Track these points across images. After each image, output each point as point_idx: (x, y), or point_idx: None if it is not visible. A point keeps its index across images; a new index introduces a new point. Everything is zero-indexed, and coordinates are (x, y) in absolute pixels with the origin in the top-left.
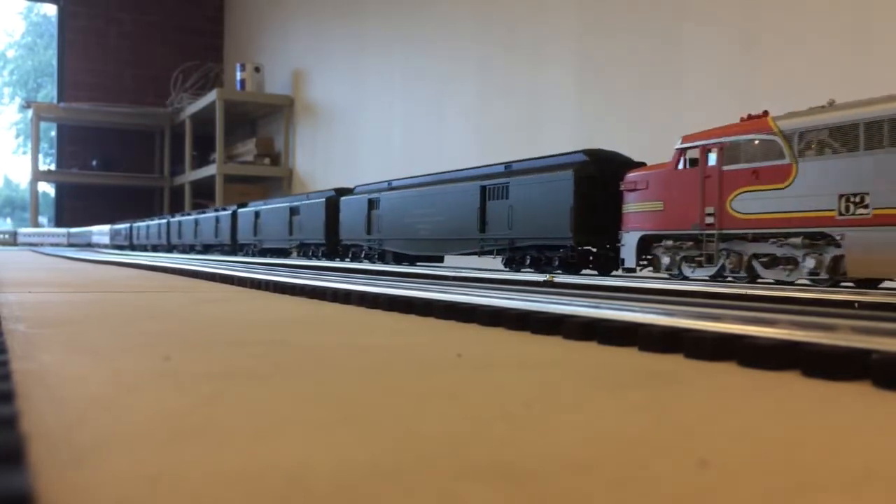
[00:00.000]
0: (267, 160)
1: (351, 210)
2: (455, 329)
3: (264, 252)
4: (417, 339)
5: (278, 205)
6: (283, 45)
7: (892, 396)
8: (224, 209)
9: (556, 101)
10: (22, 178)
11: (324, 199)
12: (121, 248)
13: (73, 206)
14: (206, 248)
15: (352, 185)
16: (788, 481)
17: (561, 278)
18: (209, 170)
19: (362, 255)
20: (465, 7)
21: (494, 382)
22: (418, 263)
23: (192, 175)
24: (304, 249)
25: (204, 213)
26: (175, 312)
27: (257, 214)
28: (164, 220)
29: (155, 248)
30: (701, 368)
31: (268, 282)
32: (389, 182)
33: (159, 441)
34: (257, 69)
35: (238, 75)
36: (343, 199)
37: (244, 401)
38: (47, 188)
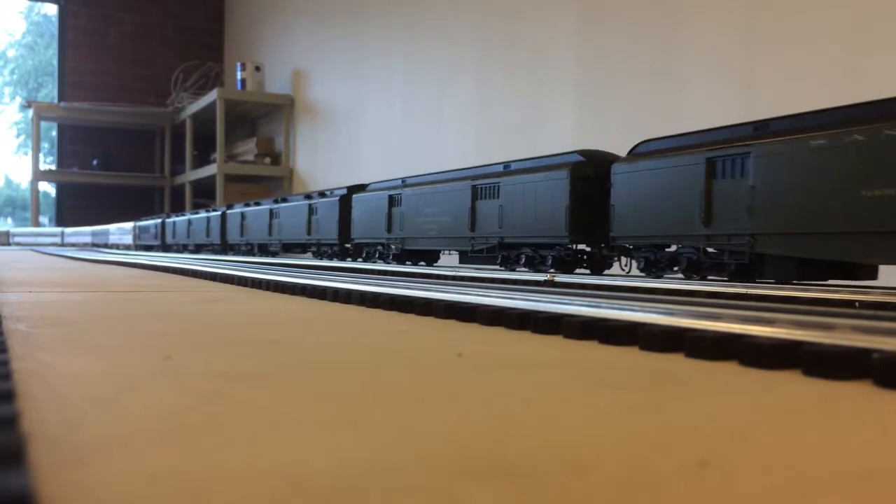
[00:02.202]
0: (267, 159)
1: (642, 186)
2: (455, 328)
3: (404, 256)
4: (418, 338)
5: (444, 182)
6: (284, 45)
7: (892, 396)
8: (324, 195)
9: (556, 101)
10: (22, 177)
11: (565, 172)
12: (148, 248)
13: (74, 206)
14: (288, 249)
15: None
16: (788, 481)
17: (561, 278)
18: (210, 169)
19: (675, 265)
20: (465, 7)
21: (494, 382)
22: (806, 283)
23: (192, 174)
24: (506, 251)
25: (286, 201)
26: (176, 312)
27: (394, 201)
28: (215, 213)
29: (200, 249)
30: (701, 368)
31: (268, 281)
32: (760, 125)
33: (160, 441)
34: (258, 69)
35: (238, 75)
36: (619, 167)
37: (244, 400)
38: (48, 188)
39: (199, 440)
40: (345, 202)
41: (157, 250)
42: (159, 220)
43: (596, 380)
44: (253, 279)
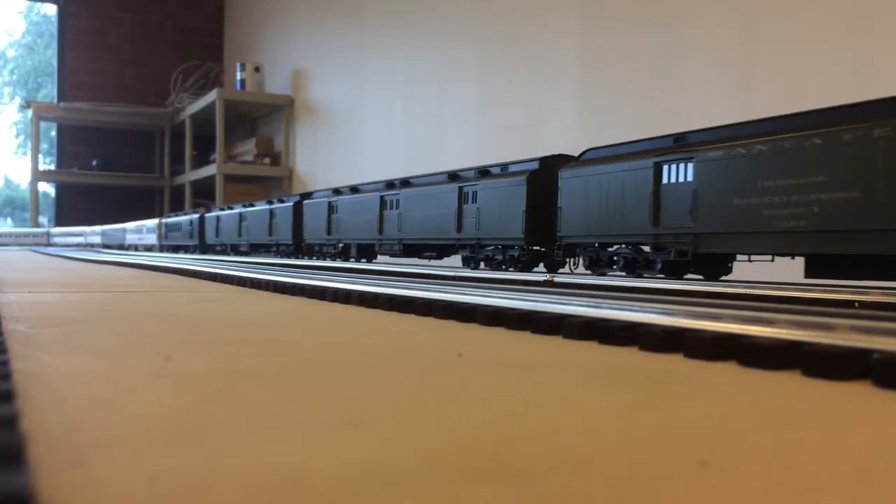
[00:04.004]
0: (267, 160)
1: None
2: (455, 329)
3: (699, 262)
4: (418, 338)
5: (809, 134)
6: (283, 45)
7: (892, 396)
8: (487, 173)
9: (556, 101)
10: (22, 178)
11: None
12: (178, 250)
13: (74, 206)
14: (412, 252)
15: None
16: (788, 481)
17: (561, 278)
18: (209, 169)
19: None
20: (465, 7)
21: (494, 382)
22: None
23: (192, 175)
24: None
25: (409, 185)
26: (176, 312)
27: (665, 173)
28: (284, 205)
29: (256, 250)
30: (701, 368)
31: (268, 282)
32: None
33: (159, 441)
34: (257, 69)
35: (238, 75)
36: None
37: (244, 400)
38: (47, 188)
39: (199, 440)
40: (536, 182)
41: (193, 252)
42: (196, 216)
43: (596, 380)
44: (252, 279)
